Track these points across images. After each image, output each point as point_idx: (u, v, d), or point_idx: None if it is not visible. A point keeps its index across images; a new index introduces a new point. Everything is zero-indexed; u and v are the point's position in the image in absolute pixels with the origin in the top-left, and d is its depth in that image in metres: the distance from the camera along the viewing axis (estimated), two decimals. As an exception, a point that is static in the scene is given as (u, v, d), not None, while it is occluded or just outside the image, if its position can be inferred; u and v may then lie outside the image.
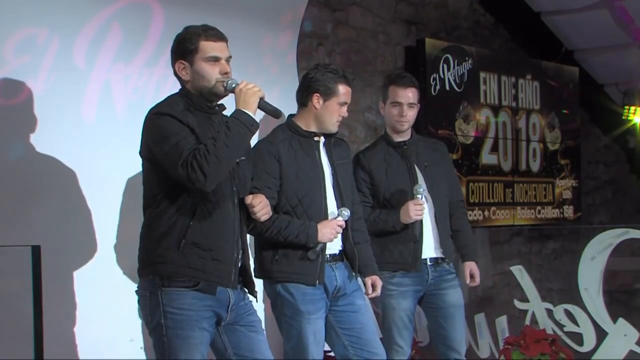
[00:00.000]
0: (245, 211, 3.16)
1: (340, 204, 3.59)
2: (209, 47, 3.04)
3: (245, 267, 3.18)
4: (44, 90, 3.61)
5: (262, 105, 3.01)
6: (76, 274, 3.68)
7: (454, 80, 6.39)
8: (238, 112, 2.96)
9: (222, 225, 3.05)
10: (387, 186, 4.05)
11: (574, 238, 7.69)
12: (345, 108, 3.62)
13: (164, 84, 3.60)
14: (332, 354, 3.99)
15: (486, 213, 6.68)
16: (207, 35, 3.06)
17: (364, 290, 3.83)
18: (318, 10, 5.55)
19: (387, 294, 4.02)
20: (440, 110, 6.27)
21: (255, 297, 3.25)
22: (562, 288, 7.24)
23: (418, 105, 4.11)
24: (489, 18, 7.24)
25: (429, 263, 4.04)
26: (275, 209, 3.48)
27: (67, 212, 3.69)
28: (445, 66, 6.30)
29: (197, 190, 2.92)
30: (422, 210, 3.93)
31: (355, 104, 5.74)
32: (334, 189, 3.61)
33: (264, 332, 3.26)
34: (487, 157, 6.73)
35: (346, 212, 3.54)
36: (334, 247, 3.61)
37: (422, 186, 3.96)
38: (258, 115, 3.01)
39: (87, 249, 3.73)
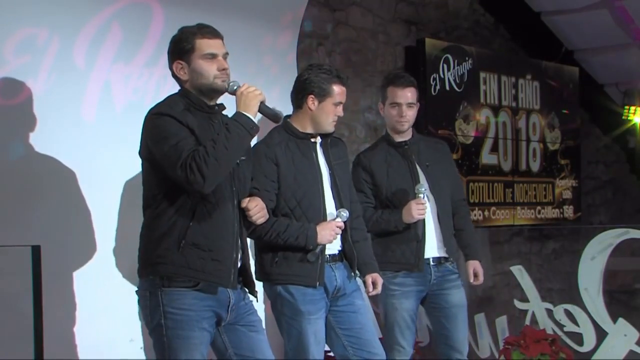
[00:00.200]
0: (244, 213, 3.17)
1: (339, 204, 3.59)
2: (205, 45, 3.05)
3: (245, 267, 3.18)
4: (44, 90, 3.61)
5: (263, 109, 3.02)
6: (76, 274, 3.68)
7: (454, 80, 6.39)
8: (238, 115, 2.96)
9: (221, 226, 3.05)
10: (388, 186, 4.04)
11: (574, 238, 7.69)
12: (340, 107, 3.61)
13: (164, 84, 3.60)
14: (332, 354, 3.99)
15: (486, 213, 6.69)
16: (202, 33, 3.06)
17: (363, 290, 3.83)
18: (318, 10, 5.55)
19: (390, 294, 4.02)
20: (440, 110, 6.27)
21: (256, 297, 3.26)
22: (562, 288, 7.24)
23: (417, 104, 4.11)
24: (489, 18, 7.24)
25: (431, 263, 4.03)
26: (273, 211, 3.48)
27: (67, 212, 3.69)
28: (445, 66, 6.30)
29: (195, 191, 2.92)
30: (424, 209, 3.92)
31: (355, 104, 5.75)
32: (331, 189, 3.61)
33: (265, 331, 3.26)
34: (487, 157, 6.73)
35: (345, 213, 3.54)
36: (333, 247, 3.60)
37: (423, 185, 3.95)
38: (256, 117, 3.01)
39: (87, 249, 3.72)
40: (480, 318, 5.30)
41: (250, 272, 3.22)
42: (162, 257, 2.99)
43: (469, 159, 6.52)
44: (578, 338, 5.04)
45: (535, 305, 5.24)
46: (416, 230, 3.98)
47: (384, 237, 4.05)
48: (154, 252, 3.01)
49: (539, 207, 7.33)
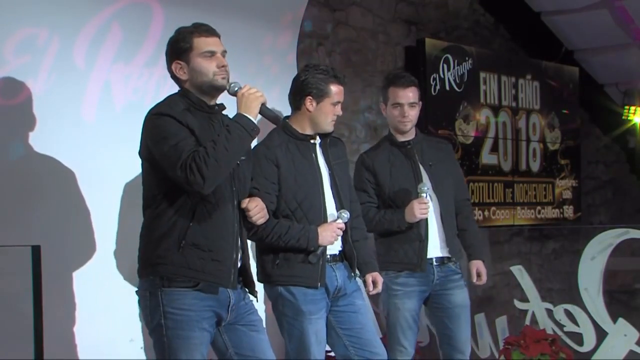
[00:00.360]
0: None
1: (339, 204, 3.59)
2: (203, 43, 3.06)
3: (245, 267, 3.18)
4: (44, 90, 3.61)
5: (263, 111, 3.02)
6: (76, 274, 3.68)
7: (454, 80, 6.39)
8: (239, 116, 2.96)
9: (221, 226, 3.05)
10: (391, 186, 4.04)
11: (574, 238, 7.69)
12: (339, 107, 3.61)
13: (164, 84, 3.59)
14: (332, 354, 3.99)
15: (486, 213, 6.69)
16: (199, 31, 3.07)
17: (363, 290, 3.83)
18: (318, 10, 5.55)
19: (392, 294, 4.02)
20: (440, 110, 6.27)
21: (256, 297, 3.26)
22: (562, 288, 7.24)
23: (420, 103, 4.11)
24: (489, 18, 7.24)
25: (434, 263, 4.02)
26: (274, 213, 3.48)
27: (67, 212, 3.69)
28: (445, 66, 6.30)
29: (195, 192, 2.92)
30: (426, 208, 3.92)
31: (355, 104, 5.75)
32: (332, 189, 3.61)
33: (265, 331, 3.26)
34: (487, 157, 6.73)
35: (345, 214, 3.54)
36: (334, 247, 3.60)
37: (426, 185, 3.95)
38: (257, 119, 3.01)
39: (87, 249, 3.72)
40: (480, 318, 5.30)
41: (250, 272, 3.22)
42: (162, 257, 2.99)
43: (469, 159, 6.52)
44: (578, 338, 5.04)
45: (535, 305, 5.24)
46: (419, 229, 3.97)
47: (386, 237, 4.05)
48: (154, 253, 3.01)
49: (539, 207, 7.33)
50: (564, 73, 7.62)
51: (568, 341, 5.07)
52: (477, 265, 4.17)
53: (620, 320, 4.92)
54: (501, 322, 5.36)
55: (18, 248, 3.09)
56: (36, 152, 3.57)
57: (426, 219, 3.96)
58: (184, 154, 2.88)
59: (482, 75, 6.70)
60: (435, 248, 4.03)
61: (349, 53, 5.83)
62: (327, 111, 3.58)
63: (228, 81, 3.07)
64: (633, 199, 8.76)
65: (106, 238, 3.79)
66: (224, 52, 3.10)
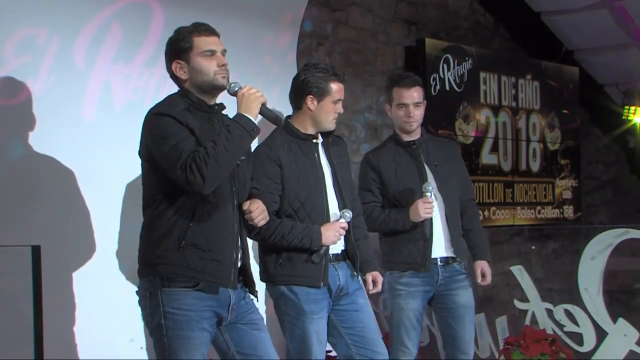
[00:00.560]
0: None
1: (341, 203, 3.59)
2: (203, 42, 3.06)
3: (245, 267, 3.18)
4: (44, 90, 3.61)
5: (264, 111, 3.02)
6: (76, 274, 3.68)
7: (454, 80, 6.39)
8: (239, 116, 2.95)
9: (221, 226, 3.05)
10: (396, 185, 4.03)
11: (574, 238, 7.69)
12: (340, 105, 3.62)
13: (164, 84, 3.59)
14: (332, 354, 3.99)
15: (486, 213, 6.69)
16: (199, 31, 3.07)
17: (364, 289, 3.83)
18: (318, 10, 5.55)
19: (396, 294, 4.02)
20: (440, 110, 6.27)
21: (256, 296, 3.25)
22: (562, 288, 7.23)
23: (424, 102, 4.11)
24: (489, 18, 7.24)
25: (439, 263, 4.01)
26: (277, 213, 3.49)
27: (67, 212, 3.69)
28: (445, 66, 6.30)
29: (195, 192, 2.92)
30: (431, 208, 3.91)
31: (355, 104, 5.75)
32: (334, 188, 3.61)
33: (267, 329, 3.25)
34: (487, 157, 6.74)
35: (348, 214, 3.55)
36: (337, 247, 3.61)
37: (430, 184, 3.94)
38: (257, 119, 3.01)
39: (87, 249, 3.72)
40: (480, 318, 5.29)
41: (251, 272, 3.22)
42: (162, 257, 2.99)
43: (469, 159, 6.52)
44: (578, 338, 5.03)
45: (535, 305, 5.24)
46: (423, 229, 3.96)
47: (391, 237, 4.04)
48: (154, 253, 3.01)
49: (539, 207, 7.34)
50: (564, 73, 7.62)
51: (568, 341, 5.07)
52: (482, 266, 4.16)
53: (620, 320, 4.92)
54: (501, 322, 5.35)
55: (18, 248, 3.09)
56: (36, 152, 3.57)
57: (431, 219, 3.95)
58: (183, 154, 2.88)
59: (482, 75, 6.71)
60: (440, 248, 4.02)
61: (349, 53, 5.83)
62: (328, 109, 3.58)
63: (228, 81, 3.07)
64: (633, 199, 8.76)
65: (106, 238, 3.79)
66: (224, 52, 3.10)
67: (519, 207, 7.08)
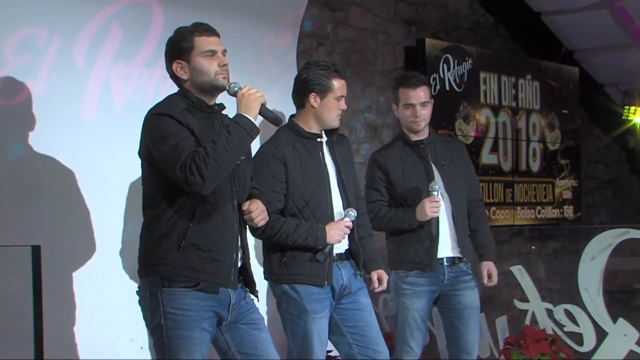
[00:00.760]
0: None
1: (346, 202, 3.60)
2: (204, 42, 3.05)
3: (245, 267, 3.18)
4: (44, 90, 3.61)
5: (263, 111, 3.01)
6: (76, 274, 3.68)
7: (454, 80, 6.39)
8: (239, 117, 2.95)
9: (221, 226, 3.04)
10: (403, 184, 4.03)
11: (574, 238, 7.69)
12: (343, 101, 3.62)
13: (164, 84, 3.59)
14: (332, 353, 3.99)
15: (486, 213, 6.67)
16: (200, 31, 3.07)
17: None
18: (318, 10, 5.55)
19: (401, 293, 4.02)
20: (440, 110, 6.24)
21: (256, 296, 3.25)
22: (562, 288, 7.24)
23: (432, 101, 4.10)
24: (489, 18, 7.24)
25: (445, 263, 4.00)
26: (281, 211, 3.49)
27: (67, 212, 3.69)
28: (445, 66, 6.30)
29: (194, 193, 2.92)
30: (437, 207, 3.90)
31: (355, 104, 5.75)
32: (338, 187, 3.62)
33: (267, 329, 3.25)
34: (487, 157, 6.73)
35: (353, 213, 3.55)
36: (341, 246, 3.61)
37: (437, 183, 3.93)
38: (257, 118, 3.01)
39: (87, 249, 3.72)
40: (480, 318, 5.27)
41: (251, 272, 3.22)
42: (162, 257, 2.99)
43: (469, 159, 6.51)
44: (578, 338, 5.04)
45: (535, 305, 5.24)
46: (430, 228, 3.96)
47: (397, 236, 4.04)
48: (154, 253, 3.00)
49: (539, 207, 7.33)
50: (564, 73, 7.62)
51: (568, 341, 5.07)
52: (489, 267, 4.15)
53: (620, 320, 4.92)
54: (501, 322, 5.35)
55: (18, 248, 3.09)
56: (36, 152, 3.57)
57: (437, 218, 3.95)
58: (183, 155, 2.88)
59: (482, 75, 6.70)
60: (446, 248, 4.01)
61: (349, 53, 5.83)
62: (331, 106, 3.58)
63: (229, 81, 3.07)
64: (633, 199, 8.76)
65: (106, 238, 3.79)
66: (224, 52, 3.10)
67: (519, 207, 7.08)
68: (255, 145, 3.32)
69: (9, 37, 3.50)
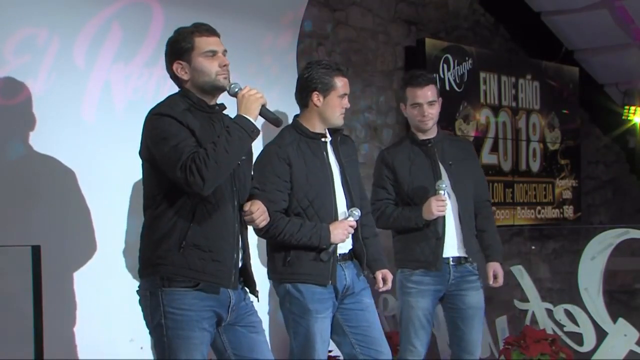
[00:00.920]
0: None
1: (350, 202, 3.60)
2: (205, 42, 3.05)
3: (246, 267, 3.18)
4: (44, 90, 3.61)
5: (264, 112, 3.01)
6: (76, 274, 3.68)
7: (454, 80, 6.39)
8: (239, 118, 2.95)
9: (222, 226, 3.04)
10: (410, 183, 4.03)
11: (574, 238, 7.68)
12: (346, 99, 3.62)
13: (164, 84, 3.60)
14: (332, 353, 3.99)
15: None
16: (200, 31, 3.07)
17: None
18: (318, 10, 5.55)
19: (406, 292, 4.01)
20: (440, 110, 6.26)
21: (257, 296, 3.25)
22: (562, 288, 7.24)
23: (440, 99, 4.10)
24: (489, 18, 7.24)
25: (451, 262, 4.00)
26: (286, 211, 3.50)
27: (67, 212, 3.69)
28: (445, 66, 6.30)
29: (194, 193, 2.92)
30: (444, 205, 3.89)
31: (355, 104, 5.75)
32: (343, 187, 3.62)
33: (265, 332, 3.25)
34: (487, 157, 6.73)
35: (357, 212, 3.55)
36: (344, 246, 3.61)
37: (444, 182, 3.93)
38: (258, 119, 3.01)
39: (87, 249, 3.73)
40: (480, 318, 5.29)
41: (251, 272, 3.22)
42: (163, 257, 2.98)
43: (469, 159, 6.51)
44: (578, 338, 5.04)
45: (535, 305, 5.24)
46: (436, 227, 3.95)
47: (404, 235, 4.04)
48: (155, 253, 3.00)
49: (539, 207, 7.33)
50: (564, 73, 7.62)
51: (568, 341, 5.07)
52: (494, 267, 4.13)
53: (620, 320, 4.92)
54: (501, 322, 5.35)
55: (18, 248, 3.09)
56: (36, 152, 3.57)
57: (444, 218, 3.94)
58: (183, 155, 2.88)
59: (482, 75, 6.70)
60: (452, 247, 4.01)
61: (349, 53, 5.83)
62: (334, 104, 3.58)
63: (229, 81, 3.07)
64: (633, 199, 8.76)
65: (106, 238, 3.79)
66: (224, 52, 3.10)
67: (519, 207, 7.08)
68: (258, 145, 3.32)
69: (9, 37, 3.50)
